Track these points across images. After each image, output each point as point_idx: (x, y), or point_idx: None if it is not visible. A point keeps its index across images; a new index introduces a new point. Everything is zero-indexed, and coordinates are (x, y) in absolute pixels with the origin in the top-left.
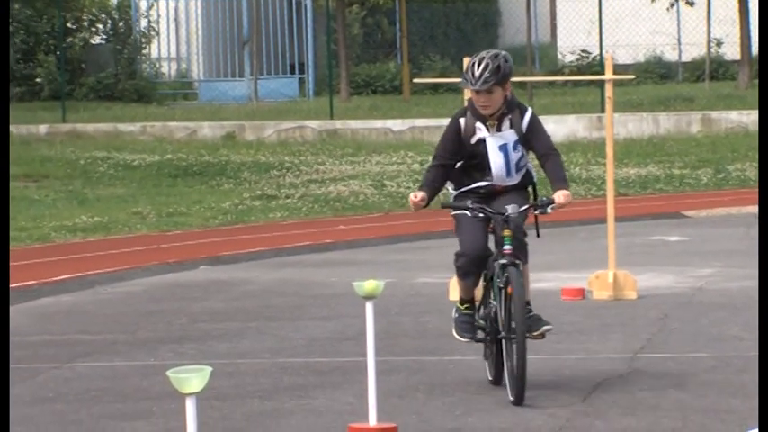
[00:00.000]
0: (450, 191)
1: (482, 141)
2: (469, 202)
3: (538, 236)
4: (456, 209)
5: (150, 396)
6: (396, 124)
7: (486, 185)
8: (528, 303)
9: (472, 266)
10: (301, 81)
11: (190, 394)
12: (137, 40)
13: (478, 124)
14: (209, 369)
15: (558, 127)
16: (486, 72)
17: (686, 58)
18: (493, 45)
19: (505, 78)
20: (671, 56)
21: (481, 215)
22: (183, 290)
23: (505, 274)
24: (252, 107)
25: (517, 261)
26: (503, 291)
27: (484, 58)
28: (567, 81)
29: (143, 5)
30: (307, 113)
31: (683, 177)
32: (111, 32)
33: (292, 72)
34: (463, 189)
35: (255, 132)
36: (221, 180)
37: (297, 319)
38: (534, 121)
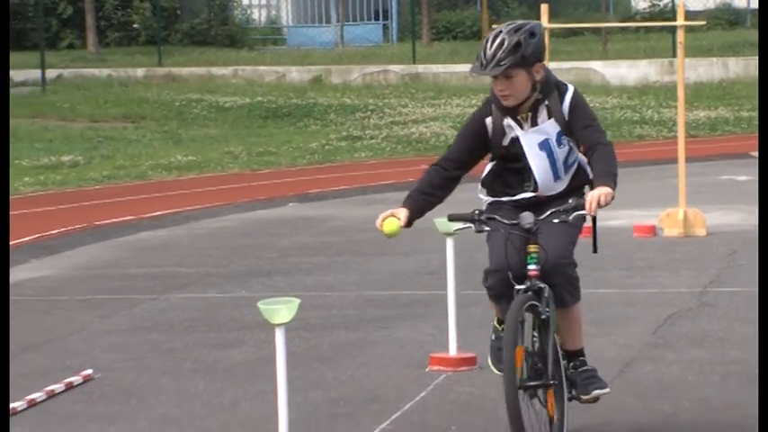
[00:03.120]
0: (483, 197)
1: (516, 141)
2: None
3: (595, 251)
4: (459, 219)
5: (242, 326)
6: None
7: (529, 197)
8: (580, 354)
9: (502, 287)
10: (385, 27)
11: (279, 325)
12: None
13: (508, 121)
14: (297, 301)
15: (631, 71)
16: (501, 51)
17: (754, 4)
18: None
19: (530, 58)
20: (740, 2)
21: (488, 228)
22: (273, 226)
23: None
24: (338, 52)
25: (542, 286)
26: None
27: (501, 32)
28: (639, 27)
29: None
30: (390, 58)
31: (752, 119)
32: None
33: (376, 18)
34: (500, 199)
35: (341, 76)
36: (309, 121)
37: (381, 254)
38: (578, 104)
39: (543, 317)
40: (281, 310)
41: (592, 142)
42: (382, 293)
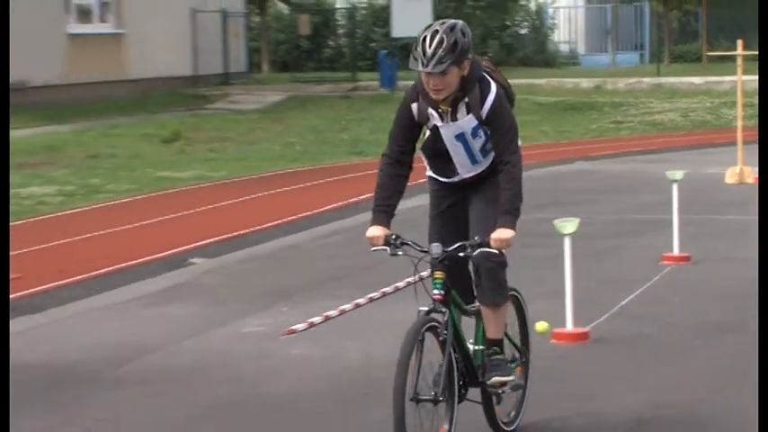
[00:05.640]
0: (427, 170)
1: (437, 128)
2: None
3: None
4: (388, 245)
5: (543, 235)
6: (696, 80)
7: (456, 182)
8: (497, 344)
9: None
10: (641, 54)
11: (567, 234)
12: (545, 31)
13: (431, 110)
14: (577, 220)
15: None
16: (441, 50)
17: None
18: None
19: (463, 56)
20: None
21: (400, 253)
22: (563, 175)
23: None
24: (611, 70)
25: (443, 310)
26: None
27: (438, 31)
28: None
29: (549, 10)
30: (644, 74)
31: None
32: (530, 26)
33: (635, 49)
34: (434, 175)
35: (613, 85)
36: (591, 113)
37: (633, 192)
38: (496, 110)
39: (441, 338)
40: (568, 225)
41: (500, 157)
42: (633, 216)
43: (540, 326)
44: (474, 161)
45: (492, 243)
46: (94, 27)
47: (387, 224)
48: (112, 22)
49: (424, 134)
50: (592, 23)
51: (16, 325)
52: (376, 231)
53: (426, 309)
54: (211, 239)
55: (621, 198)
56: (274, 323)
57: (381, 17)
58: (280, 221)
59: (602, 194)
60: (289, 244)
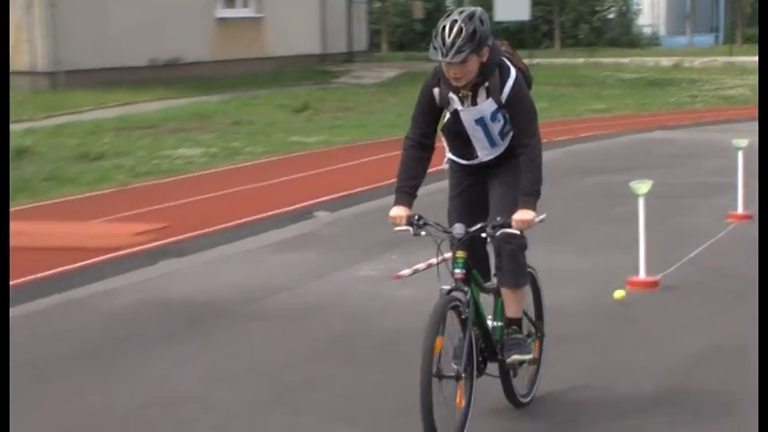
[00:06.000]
0: (447, 152)
1: (457, 112)
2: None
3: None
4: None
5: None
6: None
7: (476, 164)
8: (516, 323)
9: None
10: (716, 36)
11: (641, 195)
12: (631, 15)
13: (451, 95)
14: (651, 182)
15: None
16: (460, 39)
17: None
18: None
19: (482, 44)
20: None
21: (423, 234)
22: (642, 143)
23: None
24: (689, 50)
25: (465, 289)
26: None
27: (456, 21)
28: None
29: None
30: (717, 53)
31: None
32: (618, 11)
33: (710, 31)
34: (453, 157)
35: (690, 63)
36: (670, 88)
37: (704, 158)
38: (516, 94)
39: (463, 317)
40: (642, 186)
41: (520, 140)
42: (702, 179)
43: (618, 293)
44: (493, 144)
45: (513, 224)
46: (238, 12)
47: (409, 205)
48: (253, 7)
49: (445, 116)
50: (672, 8)
51: (164, 267)
52: (399, 212)
53: (448, 288)
54: (333, 196)
55: (693, 163)
56: (384, 269)
57: (486, 2)
58: (391, 181)
59: (677, 160)
60: None
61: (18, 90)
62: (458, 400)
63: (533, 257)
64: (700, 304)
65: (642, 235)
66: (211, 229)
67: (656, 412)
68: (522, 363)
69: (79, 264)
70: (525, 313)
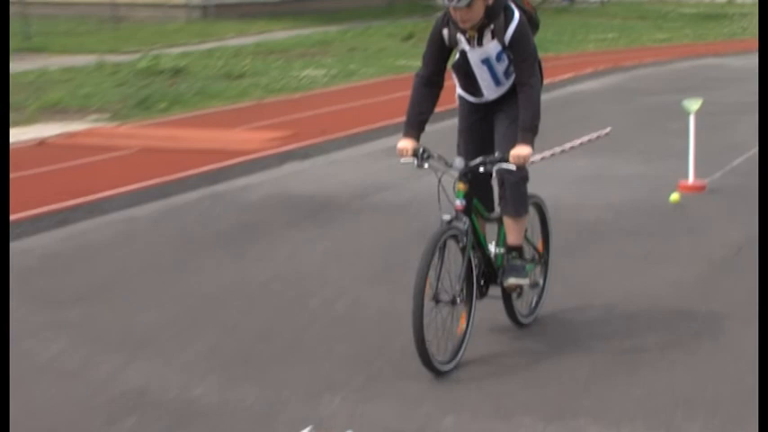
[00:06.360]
0: (457, 88)
1: (465, 53)
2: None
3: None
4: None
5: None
6: None
7: (483, 102)
8: (516, 249)
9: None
10: None
11: (692, 112)
12: None
13: (459, 36)
14: (701, 100)
15: None
16: None
17: None
18: None
19: None
20: None
21: (426, 165)
22: (698, 68)
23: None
24: None
25: (464, 219)
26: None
27: None
28: None
29: None
30: None
31: None
32: None
33: None
34: (462, 94)
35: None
36: (724, 20)
37: (751, 81)
38: (519, 36)
39: (461, 245)
40: (693, 104)
41: (520, 80)
42: (748, 99)
43: (674, 196)
44: (498, 83)
45: (510, 159)
46: None
47: (417, 138)
48: None
49: (455, 56)
50: None
51: (290, 168)
52: (406, 144)
53: (449, 218)
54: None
55: (742, 86)
56: None
57: None
58: None
59: (728, 83)
60: None
61: (176, 20)
62: (460, 323)
63: (600, 165)
64: (740, 204)
65: (692, 145)
66: (330, 137)
67: (670, 328)
68: (518, 286)
69: (222, 164)
70: (528, 240)
